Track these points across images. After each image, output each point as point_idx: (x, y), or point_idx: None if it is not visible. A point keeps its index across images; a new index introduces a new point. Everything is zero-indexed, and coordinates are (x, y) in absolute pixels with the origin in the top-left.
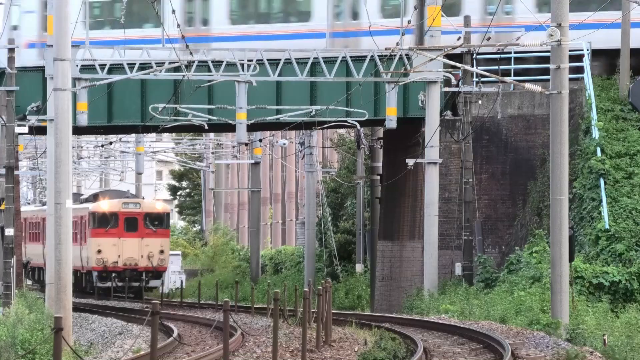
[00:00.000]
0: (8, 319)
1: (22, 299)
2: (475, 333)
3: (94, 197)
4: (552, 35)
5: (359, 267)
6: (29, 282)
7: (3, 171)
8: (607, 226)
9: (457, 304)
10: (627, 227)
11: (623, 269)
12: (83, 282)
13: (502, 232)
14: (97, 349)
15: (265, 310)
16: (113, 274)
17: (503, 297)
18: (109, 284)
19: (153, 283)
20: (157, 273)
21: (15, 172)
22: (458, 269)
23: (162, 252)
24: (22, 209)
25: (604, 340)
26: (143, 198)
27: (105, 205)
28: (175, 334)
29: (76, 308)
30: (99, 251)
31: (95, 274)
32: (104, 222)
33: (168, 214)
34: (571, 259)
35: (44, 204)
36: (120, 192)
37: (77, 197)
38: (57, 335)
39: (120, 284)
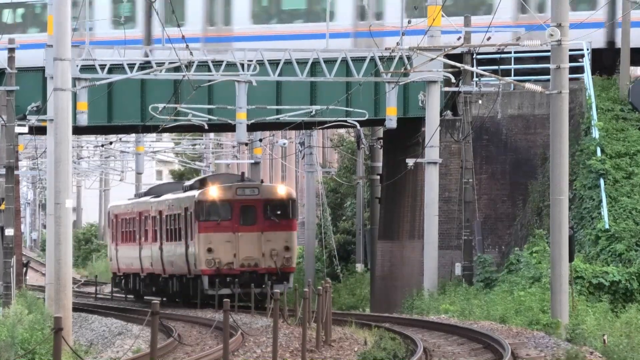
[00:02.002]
0: (8, 319)
1: (21, 299)
2: (475, 333)
3: (201, 183)
4: (552, 35)
5: (359, 267)
6: (117, 292)
7: (3, 171)
8: (607, 226)
9: (457, 304)
10: (627, 227)
11: (623, 269)
12: (190, 288)
13: (502, 232)
14: (97, 349)
15: (265, 310)
16: (228, 278)
17: (503, 297)
18: (223, 290)
19: (277, 288)
20: (283, 275)
21: (15, 172)
22: (458, 269)
23: (287, 248)
24: (113, 204)
25: (604, 340)
26: (262, 182)
27: (215, 193)
28: (175, 334)
29: (76, 308)
30: (210, 250)
31: (205, 279)
32: (214, 214)
33: (294, 201)
34: (571, 259)
35: (139, 196)
36: (232, 175)
37: (178, 185)
38: (57, 335)
39: (237, 290)
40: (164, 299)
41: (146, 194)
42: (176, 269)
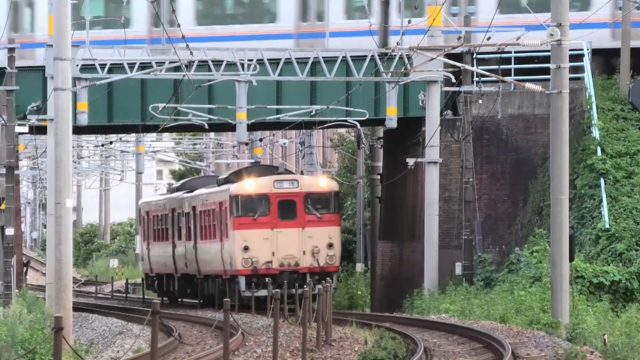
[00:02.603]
0: (8, 318)
1: (21, 299)
2: (475, 333)
3: (236, 176)
4: (552, 35)
5: (359, 267)
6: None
7: (3, 171)
8: (607, 226)
9: (457, 304)
10: (628, 227)
11: (623, 269)
12: (227, 291)
13: (502, 232)
14: (97, 349)
15: (265, 310)
16: (267, 279)
17: (503, 297)
18: (262, 292)
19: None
20: (326, 275)
21: (15, 172)
22: (458, 269)
23: (331, 245)
24: (144, 200)
25: (604, 339)
26: (302, 173)
27: (250, 186)
28: (175, 334)
29: (76, 308)
30: (246, 248)
31: (241, 279)
32: (250, 209)
33: (337, 194)
34: (571, 259)
35: (172, 191)
36: (270, 167)
37: (212, 179)
38: (58, 335)
39: (276, 291)
40: (201, 301)
41: (178, 189)
42: (211, 269)
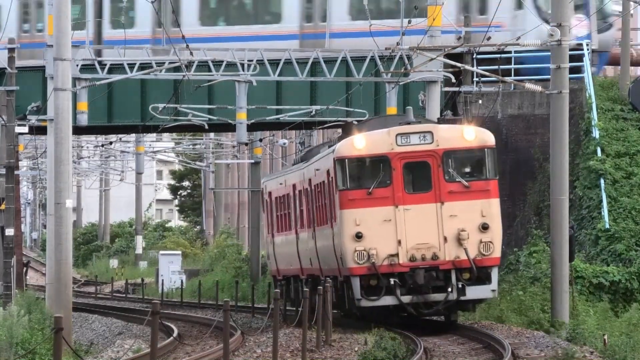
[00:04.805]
0: (9, 319)
1: (21, 299)
2: (475, 333)
3: (345, 131)
4: (552, 35)
5: None
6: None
7: (3, 171)
8: (607, 226)
9: None
10: (627, 227)
11: (623, 269)
12: (344, 296)
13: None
14: (97, 349)
15: (265, 310)
16: (391, 280)
17: (503, 297)
18: (384, 300)
19: (473, 293)
20: (482, 272)
21: (15, 172)
22: None
23: (485, 227)
24: (267, 178)
25: (604, 340)
26: (439, 120)
27: (361, 143)
28: (175, 334)
29: (76, 308)
30: (358, 235)
31: (355, 282)
32: (363, 177)
33: (492, 150)
34: (571, 259)
35: (293, 162)
36: (394, 116)
37: (323, 147)
38: (57, 335)
39: (406, 298)
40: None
41: (303, 158)
42: (329, 267)
